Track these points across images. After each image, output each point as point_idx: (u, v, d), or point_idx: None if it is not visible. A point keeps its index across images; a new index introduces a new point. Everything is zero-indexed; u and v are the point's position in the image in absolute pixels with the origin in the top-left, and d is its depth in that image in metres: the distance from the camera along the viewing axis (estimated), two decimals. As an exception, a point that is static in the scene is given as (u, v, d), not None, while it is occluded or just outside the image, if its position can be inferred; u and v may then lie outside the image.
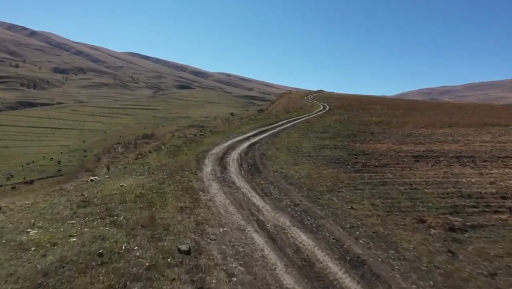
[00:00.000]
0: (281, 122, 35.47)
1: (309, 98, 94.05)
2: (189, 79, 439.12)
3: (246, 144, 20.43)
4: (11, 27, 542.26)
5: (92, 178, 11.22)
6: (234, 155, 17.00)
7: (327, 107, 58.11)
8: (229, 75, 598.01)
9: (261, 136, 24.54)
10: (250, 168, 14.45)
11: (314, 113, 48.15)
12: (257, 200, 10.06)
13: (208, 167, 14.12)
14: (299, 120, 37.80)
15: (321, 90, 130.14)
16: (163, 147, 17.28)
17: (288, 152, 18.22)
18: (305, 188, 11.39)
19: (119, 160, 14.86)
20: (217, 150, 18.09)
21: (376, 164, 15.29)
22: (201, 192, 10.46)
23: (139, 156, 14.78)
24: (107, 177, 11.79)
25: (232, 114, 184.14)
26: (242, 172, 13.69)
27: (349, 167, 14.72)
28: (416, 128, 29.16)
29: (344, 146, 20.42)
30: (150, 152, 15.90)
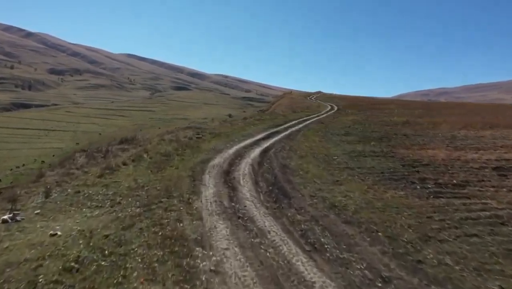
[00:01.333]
0: (291, 122, 30.73)
1: (312, 98, 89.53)
2: (186, 81, 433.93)
3: (257, 150, 15.64)
4: (7, 28, 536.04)
5: (7, 216, 6.29)
6: (245, 166, 12.21)
7: (335, 107, 53.39)
8: (226, 76, 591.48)
9: (273, 139, 19.75)
10: (271, 188, 9.68)
11: (323, 113, 43.45)
12: (304, 266, 5.26)
13: (209, 188, 9.34)
14: (310, 121, 33.11)
15: (320, 91, 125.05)
16: (145, 156, 12.41)
17: (317, 161, 13.44)
18: (378, 233, 6.57)
19: (73, 178, 9.97)
20: (220, 159, 13.30)
21: (454, 181, 10.50)
22: (198, 248, 5.64)
23: (106, 171, 9.91)
24: (37, 213, 6.97)
25: (230, 115, 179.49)
26: (262, 196, 8.93)
27: (418, 187, 9.92)
28: (455, 130, 24.39)
29: (385, 152, 15.61)
30: (125, 164, 11.06)
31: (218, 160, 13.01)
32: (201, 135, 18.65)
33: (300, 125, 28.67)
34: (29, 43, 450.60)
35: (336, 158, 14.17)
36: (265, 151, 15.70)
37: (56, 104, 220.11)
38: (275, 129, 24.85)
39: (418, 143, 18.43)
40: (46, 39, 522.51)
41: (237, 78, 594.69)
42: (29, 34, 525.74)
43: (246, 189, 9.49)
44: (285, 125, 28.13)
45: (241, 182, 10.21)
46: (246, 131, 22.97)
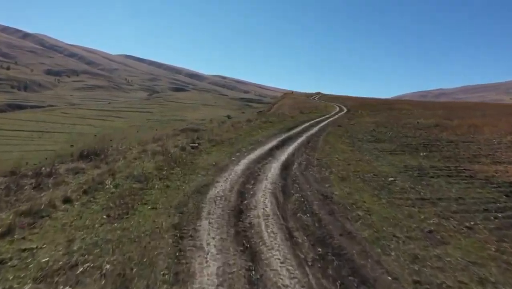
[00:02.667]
0: (303, 125, 26.31)
1: (315, 98, 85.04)
2: (184, 82, 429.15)
3: (275, 166, 11.19)
4: (4, 29, 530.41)
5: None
6: (264, 198, 7.77)
7: (344, 108, 48.96)
8: (224, 77, 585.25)
9: (290, 148, 15.29)
10: (321, 251, 5.26)
11: (334, 114, 39.05)
12: None
13: (209, 259, 4.85)
14: (324, 123, 28.71)
15: (319, 92, 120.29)
16: (108, 182, 7.76)
17: (369, 186, 8.95)
18: None
19: None
20: (225, 183, 8.83)
21: None
22: None
23: (24, 221, 5.25)
24: None
25: (228, 116, 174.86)
26: (311, 278, 4.48)
27: None
28: (508, 135, 20.03)
29: (455, 170, 11.17)
30: (67, 201, 6.42)
31: (221, 186, 8.53)
32: (197, 144, 14.09)
33: (315, 129, 24.29)
34: (26, 44, 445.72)
35: (392, 179, 9.70)
36: (285, 167, 11.23)
37: (52, 106, 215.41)
38: (287, 134, 20.38)
39: (482, 155, 14.00)
40: (44, 40, 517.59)
41: (235, 79, 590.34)
42: (26, 35, 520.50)
43: (276, 254, 5.04)
44: (298, 129, 23.71)
45: (265, 235, 5.74)
46: (254, 137, 18.45)
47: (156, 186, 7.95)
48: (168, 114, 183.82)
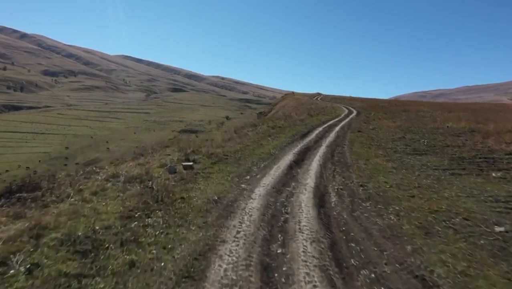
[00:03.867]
0: (317, 131, 22.55)
1: (318, 99, 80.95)
2: (182, 83, 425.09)
3: (305, 201, 7.51)
4: (2, 29, 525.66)
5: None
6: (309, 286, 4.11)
7: (354, 110, 44.98)
8: (223, 78, 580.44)
9: (314, 164, 11.57)
10: None
11: (345, 117, 34.93)
12: None
13: None
14: (338, 127, 24.88)
15: (319, 93, 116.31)
16: (12, 264, 4.11)
17: (487, 253, 5.26)
18: None
19: None
20: (235, 246, 5.17)
21: None
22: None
23: None
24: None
25: (227, 117, 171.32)
26: None
27: None
28: None
29: None
30: None
31: (229, 254, 4.88)
32: (192, 161, 10.37)
33: (332, 135, 20.60)
34: (24, 44, 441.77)
35: (502, 230, 6.06)
36: (320, 200, 7.60)
37: (48, 106, 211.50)
38: (303, 143, 16.65)
39: None
40: (41, 40, 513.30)
41: (233, 79, 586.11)
42: (23, 36, 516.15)
43: None
44: (312, 135, 19.98)
45: None
46: (264, 148, 14.73)
47: (110, 267, 4.24)
48: (166, 115, 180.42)
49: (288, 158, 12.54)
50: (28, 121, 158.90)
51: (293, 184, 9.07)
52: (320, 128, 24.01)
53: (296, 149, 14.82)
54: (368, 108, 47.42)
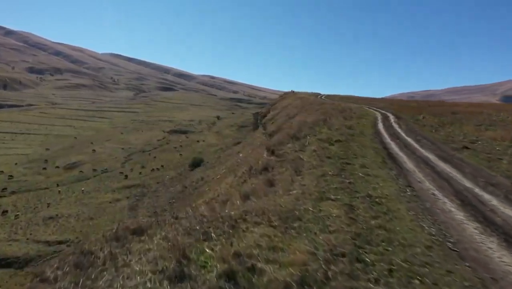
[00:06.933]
0: (399, 150, 16.22)
1: (323, 98, 72.71)
2: (172, 82, 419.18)
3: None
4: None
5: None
6: None
7: (390, 114, 35.57)
8: (213, 77, 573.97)
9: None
10: None
11: (394, 122, 28.45)
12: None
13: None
14: (423, 143, 18.22)
15: (318, 93, 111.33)
16: None
17: None
18: None
19: None
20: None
21: None
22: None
23: None
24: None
25: (218, 117, 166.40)
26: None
27: None
28: None
29: None
30: None
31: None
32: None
33: (431, 157, 14.60)
34: (9, 41, 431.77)
35: None
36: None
37: (31, 105, 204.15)
38: (414, 191, 10.03)
39: None
40: (28, 37, 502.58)
41: (224, 79, 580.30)
42: (9, 33, 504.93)
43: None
44: (402, 160, 14.02)
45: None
46: (323, 222, 7.35)
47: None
48: (155, 115, 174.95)
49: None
50: (7, 120, 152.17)
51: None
52: (395, 144, 17.75)
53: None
54: (399, 109, 40.68)
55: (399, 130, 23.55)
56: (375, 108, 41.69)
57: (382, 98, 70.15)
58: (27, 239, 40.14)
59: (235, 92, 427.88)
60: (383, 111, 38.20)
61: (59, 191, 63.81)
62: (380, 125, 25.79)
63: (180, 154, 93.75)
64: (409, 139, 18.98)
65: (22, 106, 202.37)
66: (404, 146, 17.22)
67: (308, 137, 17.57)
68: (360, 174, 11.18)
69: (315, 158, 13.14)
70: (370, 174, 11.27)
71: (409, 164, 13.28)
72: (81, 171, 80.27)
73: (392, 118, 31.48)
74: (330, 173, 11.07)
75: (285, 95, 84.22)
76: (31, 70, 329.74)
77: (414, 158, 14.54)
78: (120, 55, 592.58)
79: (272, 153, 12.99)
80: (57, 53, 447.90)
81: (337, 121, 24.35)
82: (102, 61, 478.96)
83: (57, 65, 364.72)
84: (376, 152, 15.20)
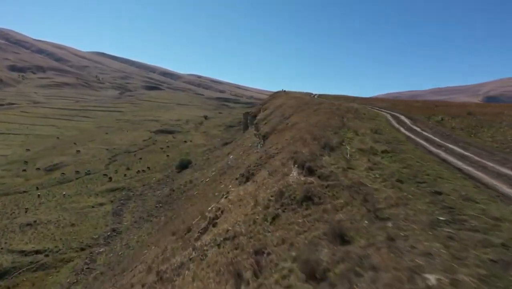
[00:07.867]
0: (494, 183, 9.80)
1: (316, 97, 69.67)
2: (158, 80, 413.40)
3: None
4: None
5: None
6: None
7: (400, 115, 32.63)
8: (199, 76, 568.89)
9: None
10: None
11: (414, 125, 25.22)
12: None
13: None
14: (482, 158, 13.31)
15: (310, 92, 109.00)
16: None
17: None
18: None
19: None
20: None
21: None
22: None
23: None
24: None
25: (205, 117, 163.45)
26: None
27: None
28: None
29: None
30: None
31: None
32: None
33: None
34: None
35: None
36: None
37: (12, 104, 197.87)
38: None
39: None
40: (9, 34, 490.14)
41: (210, 78, 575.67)
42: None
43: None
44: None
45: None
46: None
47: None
48: (141, 114, 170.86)
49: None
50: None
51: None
52: (451, 154, 14.07)
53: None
54: (406, 110, 37.62)
55: (429, 135, 20.18)
56: (378, 109, 39.01)
57: (383, 99, 68.28)
58: (1, 248, 37.15)
59: (221, 91, 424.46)
60: (389, 112, 35.64)
61: (39, 195, 60.54)
62: (402, 129, 22.76)
63: (167, 155, 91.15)
64: (455, 148, 15.48)
65: (3, 105, 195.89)
66: (461, 157, 13.35)
67: (347, 147, 13.74)
68: (485, 218, 6.55)
69: (380, 182, 9.02)
70: (488, 214, 6.72)
71: (505, 188, 8.96)
72: (63, 173, 76.90)
73: (405, 119, 28.69)
74: (439, 218, 6.55)
75: (276, 95, 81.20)
76: (13, 68, 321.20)
77: (494, 175, 10.29)
78: (104, 54, 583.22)
79: (310, 171, 9.45)
80: (40, 51, 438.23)
81: (354, 124, 21.24)
82: (86, 60, 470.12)
83: (40, 63, 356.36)
84: (450, 170, 10.98)
